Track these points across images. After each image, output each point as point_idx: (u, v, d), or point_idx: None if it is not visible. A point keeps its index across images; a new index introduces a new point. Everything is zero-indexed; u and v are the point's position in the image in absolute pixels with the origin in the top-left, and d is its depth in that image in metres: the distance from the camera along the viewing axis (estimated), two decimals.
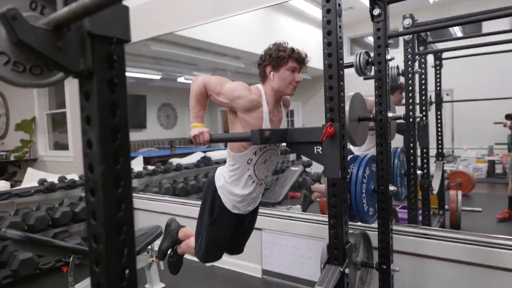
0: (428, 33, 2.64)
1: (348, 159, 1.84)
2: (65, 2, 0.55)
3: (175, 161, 5.03)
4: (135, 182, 4.32)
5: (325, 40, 1.33)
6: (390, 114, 1.79)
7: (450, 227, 3.17)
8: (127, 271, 0.62)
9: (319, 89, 8.56)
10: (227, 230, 1.79)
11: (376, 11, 1.74)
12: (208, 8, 3.30)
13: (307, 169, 6.10)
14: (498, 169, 5.83)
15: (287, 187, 3.92)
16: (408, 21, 2.31)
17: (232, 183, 1.72)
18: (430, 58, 3.09)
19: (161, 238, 2.25)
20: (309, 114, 8.81)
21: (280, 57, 1.59)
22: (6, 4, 0.58)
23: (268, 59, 1.63)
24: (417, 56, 2.50)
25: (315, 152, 1.41)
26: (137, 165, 4.66)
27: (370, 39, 8.18)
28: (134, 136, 8.51)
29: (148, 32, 3.87)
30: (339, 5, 1.32)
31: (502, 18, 1.52)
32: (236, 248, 1.98)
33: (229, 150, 1.71)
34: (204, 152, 5.49)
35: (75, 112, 4.77)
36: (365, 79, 2.56)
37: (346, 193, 1.39)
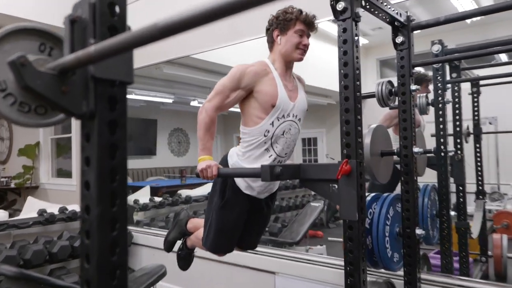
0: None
1: (370, 197, 1.86)
2: (72, 48, 0.63)
3: (184, 192, 5.10)
4: (140, 215, 4.39)
5: (341, 71, 1.39)
6: (416, 149, 1.81)
7: (495, 277, 3.06)
8: None
9: None
10: (238, 214, 1.81)
11: (399, 39, 1.80)
12: (223, 32, 3.46)
13: None
14: None
15: (307, 224, 3.91)
16: (437, 48, 2.36)
17: (246, 159, 1.76)
18: (467, 84, 3.11)
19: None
20: (334, 142, 8.78)
21: (287, 19, 1.70)
22: (19, 46, 0.68)
23: (275, 22, 1.74)
24: (449, 84, 2.53)
25: (331, 190, 1.44)
26: (143, 196, 4.76)
27: None
28: (142, 163, 8.66)
29: (161, 55, 4.06)
30: (356, 35, 1.39)
31: None
32: (249, 241, 1.97)
33: (243, 126, 1.77)
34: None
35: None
36: (391, 108, 2.59)
37: (364, 237, 1.40)
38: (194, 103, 7.84)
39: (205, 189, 5.32)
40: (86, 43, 0.64)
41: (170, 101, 7.83)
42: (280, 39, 1.75)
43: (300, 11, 1.73)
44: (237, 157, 1.79)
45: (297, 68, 1.91)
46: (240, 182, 1.78)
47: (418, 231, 1.79)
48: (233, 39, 3.42)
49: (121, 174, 0.67)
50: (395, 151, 1.84)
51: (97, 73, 0.64)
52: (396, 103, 1.88)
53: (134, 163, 8.48)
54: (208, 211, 1.86)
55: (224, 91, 1.70)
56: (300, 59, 1.78)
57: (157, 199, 4.70)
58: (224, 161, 1.83)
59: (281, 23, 1.73)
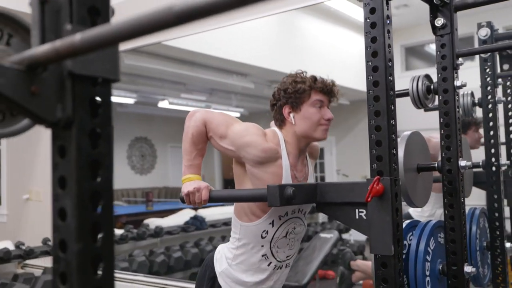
0: None
1: (404, 226, 1.88)
2: (43, 37, 0.64)
3: (153, 222, 5.08)
4: None
5: (369, 63, 1.42)
6: (462, 163, 1.84)
7: None
8: None
9: (361, 118, 8.71)
10: None
11: (440, 21, 1.85)
12: None
13: (345, 236, 6.10)
14: None
15: (316, 262, 3.92)
16: (485, 32, 2.42)
17: (238, 266, 1.76)
18: None
19: None
20: (347, 155, 8.88)
21: (299, 90, 1.68)
22: None
23: (284, 96, 1.72)
24: (500, 79, 2.59)
25: (357, 217, 1.46)
26: None
27: (433, 48, 8.37)
28: None
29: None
30: (388, 17, 1.43)
31: None
32: None
33: (235, 217, 1.75)
34: (195, 209, 5.54)
35: (15, 151, 4.91)
36: (426, 110, 2.65)
37: (402, 277, 1.42)
38: (163, 104, 7.84)
39: (180, 217, 5.32)
40: (61, 29, 0.66)
41: (131, 101, 7.78)
42: (293, 117, 1.72)
43: (314, 79, 1.72)
44: (227, 262, 1.78)
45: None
46: (235, 285, 1.77)
47: (468, 268, 1.82)
48: (220, 21, 3.45)
49: (106, 199, 0.68)
50: (436, 165, 1.87)
51: (77, 69, 0.65)
52: (436, 103, 1.92)
53: None
54: None
55: (224, 127, 1.66)
56: (324, 137, 1.76)
57: (117, 231, 4.67)
58: (210, 266, 1.81)
59: (291, 97, 1.71)
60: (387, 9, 1.43)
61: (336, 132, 8.54)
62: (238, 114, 8.94)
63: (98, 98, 0.68)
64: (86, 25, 0.66)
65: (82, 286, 0.65)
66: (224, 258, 1.80)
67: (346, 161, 8.72)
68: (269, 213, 1.68)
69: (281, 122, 1.77)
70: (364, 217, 1.45)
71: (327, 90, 1.72)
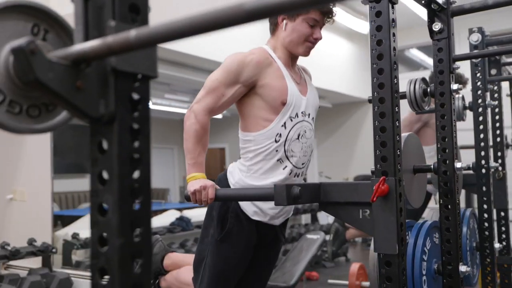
0: None
1: None
2: (86, 33, 0.65)
3: None
4: (79, 255, 4.31)
5: (374, 66, 1.44)
6: (458, 165, 1.88)
7: None
8: None
9: (344, 121, 8.76)
10: (243, 249, 1.80)
11: (437, 26, 1.89)
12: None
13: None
14: None
15: (303, 263, 3.94)
16: (476, 37, 2.48)
17: (253, 175, 1.78)
18: (504, 84, 3.25)
19: None
20: (328, 157, 8.94)
21: None
22: (7, 29, 0.68)
23: None
24: (489, 84, 2.65)
25: (361, 216, 1.48)
26: (82, 228, 4.67)
27: (414, 53, 8.40)
28: (72, 185, 8.42)
29: None
30: (393, 20, 1.45)
31: None
32: (254, 285, 1.96)
33: (245, 132, 1.81)
34: (180, 210, 5.51)
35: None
36: (418, 113, 2.69)
37: (405, 275, 1.45)
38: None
39: (166, 218, 5.28)
40: (103, 26, 0.66)
41: None
42: (285, 24, 1.81)
43: None
44: (240, 174, 1.80)
45: None
46: (246, 205, 1.78)
47: (463, 267, 1.86)
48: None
49: (144, 195, 0.69)
50: (432, 167, 1.91)
51: (119, 65, 0.65)
52: (432, 105, 1.96)
53: (60, 185, 8.24)
54: (202, 248, 1.84)
55: (218, 88, 1.73)
56: (306, 55, 1.87)
57: None
58: (223, 181, 1.84)
59: None
60: (393, 12, 1.46)
61: (317, 134, 8.57)
62: (220, 116, 8.92)
63: (136, 95, 0.68)
64: (127, 22, 0.67)
65: (123, 281, 0.65)
66: (237, 170, 1.82)
67: (328, 163, 8.76)
68: (281, 114, 1.76)
69: (274, 26, 1.87)
70: (368, 217, 1.47)
71: (326, 10, 1.79)
